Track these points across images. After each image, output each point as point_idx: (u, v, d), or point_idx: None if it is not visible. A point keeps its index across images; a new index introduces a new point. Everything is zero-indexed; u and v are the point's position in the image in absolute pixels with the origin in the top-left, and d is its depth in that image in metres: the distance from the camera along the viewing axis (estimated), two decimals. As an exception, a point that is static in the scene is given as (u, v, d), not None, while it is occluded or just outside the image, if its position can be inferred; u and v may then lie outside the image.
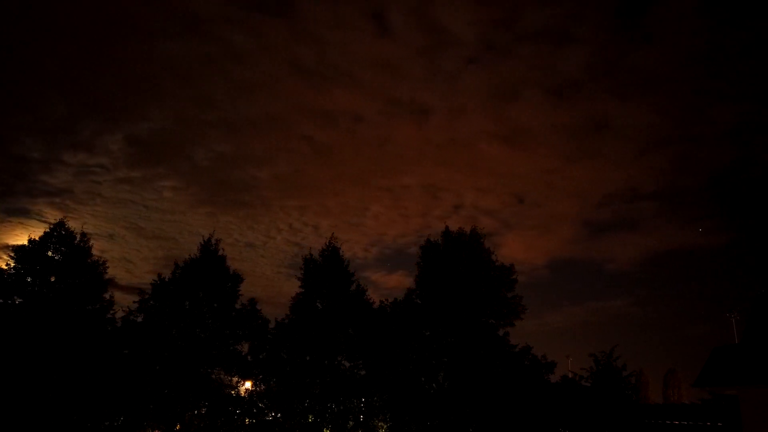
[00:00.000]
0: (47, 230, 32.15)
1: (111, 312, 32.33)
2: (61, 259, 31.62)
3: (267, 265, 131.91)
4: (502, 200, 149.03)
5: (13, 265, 30.60)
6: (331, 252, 36.02)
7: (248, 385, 34.25)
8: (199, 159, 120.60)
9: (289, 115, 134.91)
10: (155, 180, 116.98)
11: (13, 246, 31.40)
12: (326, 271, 35.14)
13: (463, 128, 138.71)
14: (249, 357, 33.40)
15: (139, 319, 32.17)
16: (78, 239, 32.66)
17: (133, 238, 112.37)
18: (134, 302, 32.46)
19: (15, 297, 30.44)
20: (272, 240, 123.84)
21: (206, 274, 33.39)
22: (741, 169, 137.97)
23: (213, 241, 34.91)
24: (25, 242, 31.37)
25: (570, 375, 33.28)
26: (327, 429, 32.67)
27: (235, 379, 33.68)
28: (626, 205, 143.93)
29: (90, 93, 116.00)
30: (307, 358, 32.95)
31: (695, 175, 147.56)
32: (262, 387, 33.20)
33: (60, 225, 32.50)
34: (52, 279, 31.10)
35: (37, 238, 31.62)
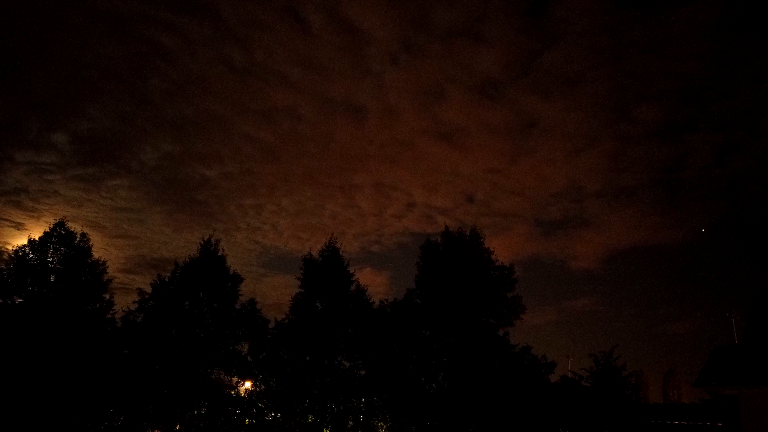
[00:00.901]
0: (47, 230, 32.18)
1: (111, 312, 32.36)
2: (61, 259, 31.62)
3: (235, 264, 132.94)
4: (453, 199, 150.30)
5: (13, 265, 30.61)
6: (331, 252, 36.03)
7: (248, 385, 34.25)
8: (148, 158, 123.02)
9: (229, 114, 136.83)
10: (107, 179, 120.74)
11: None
12: (326, 271, 35.15)
13: (400, 127, 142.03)
14: (249, 357, 33.41)
15: (139, 319, 32.18)
16: (78, 239, 32.68)
17: (98, 237, 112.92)
18: (134, 302, 32.54)
19: (15, 297, 30.45)
20: (233, 238, 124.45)
21: (206, 275, 33.40)
22: (679, 167, 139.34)
23: (213, 242, 34.96)
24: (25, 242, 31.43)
25: (570, 375, 33.33)
26: (327, 429, 32.68)
27: (235, 379, 33.70)
28: (574, 203, 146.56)
29: (31, 92, 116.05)
30: (307, 358, 32.96)
31: (635, 174, 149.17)
32: (262, 387, 33.21)
33: (60, 225, 32.53)
34: (52, 279, 31.11)
35: (36, 239, 31.64)
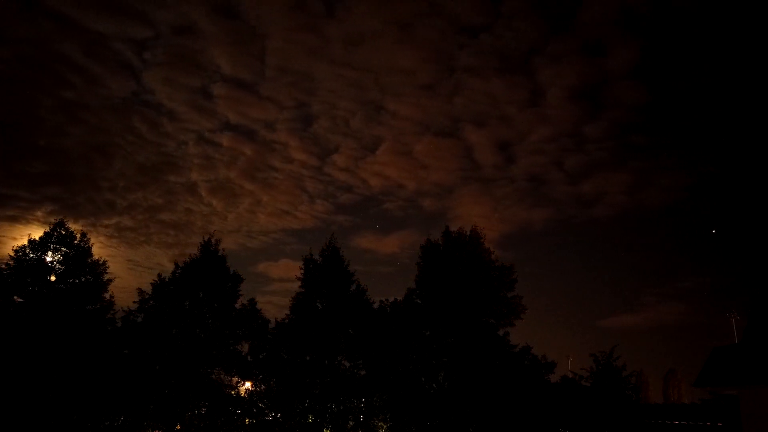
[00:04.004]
0: (47, 230, 32.17)
1: (111, 312, 32.35)
2: (61, 259, 31.62)
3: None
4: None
5: (13, 264, 30.61)
6: (331, 252, 36.01)
7: (248, 385, 34.23)
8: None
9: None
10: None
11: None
12: (326, 271, 35.13)
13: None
14: (249, 357, 33.39)
15: (139, 319, 32.17)
16: (78, 239, 32.67)
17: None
18: (134, 302, 32.50)
19: (15, 297, 30.45)
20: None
21: (206, 274, 33.38)
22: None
23: (213, 242, 34.95)
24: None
25: (570, 375, 33.35)
26: (327, 429, 32.68)
27: (235, 379, 33.65)
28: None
29: None
30: (307, 358, 32.95)
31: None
32: (262, 387, 33.19)
33: (60, 225, 32.49)
34: (52, 279, 31.10)
35: (37, 239, 31.64)
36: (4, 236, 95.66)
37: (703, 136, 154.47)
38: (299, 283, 35.43)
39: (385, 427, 33.15)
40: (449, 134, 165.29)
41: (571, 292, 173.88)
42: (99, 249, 34.18)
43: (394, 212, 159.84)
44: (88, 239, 33.17)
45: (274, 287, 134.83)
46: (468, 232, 36.42)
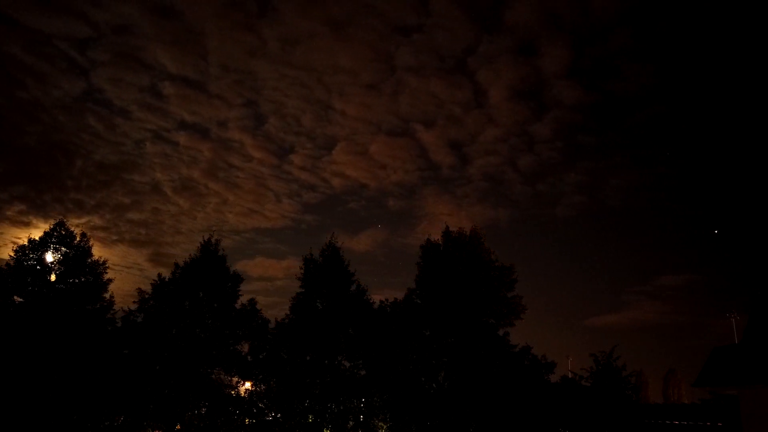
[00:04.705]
0: (47, 230, 32.17)
1: (111, 312, 32.34)
2: (61, 259, 31.62)
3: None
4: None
5: (13, 264, 30.61)
6: (332, 252, 36.00)
7: (248, 385, 34.22)
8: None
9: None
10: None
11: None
12: (326, 271, 35.12)
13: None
14: (249, 357, 33.40)
15: (139, 319, 32.17)
16: (78, 239, 32.67)
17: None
18: (134, 302, 32.52)
19: (15, 297, 30.44)
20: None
21: (206, 274, 33.39)
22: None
23: (213, 241, 34.95)
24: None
25: (570, 375, 33.34)
26: (327, 429, 32.67)
27: (235, 379, 33.65)
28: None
29: None
30: (307, 358, 32.95)
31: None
32: (262, 387, 33.18)
33: (60, 225, 32.48)
34: (52, 279, 31.09)
35: (37, 239, 31.64)
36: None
37: (652, 135, 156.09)
38: (299, 283, 35.48)
39: (385, 427, 33.14)
40: (401, 134, 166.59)
41: (552, 292, 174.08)
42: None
43: (360, 212, 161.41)
44: (88, 239, 33.19)
45: (255, 287, 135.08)
46: (468, 232, 36.44)
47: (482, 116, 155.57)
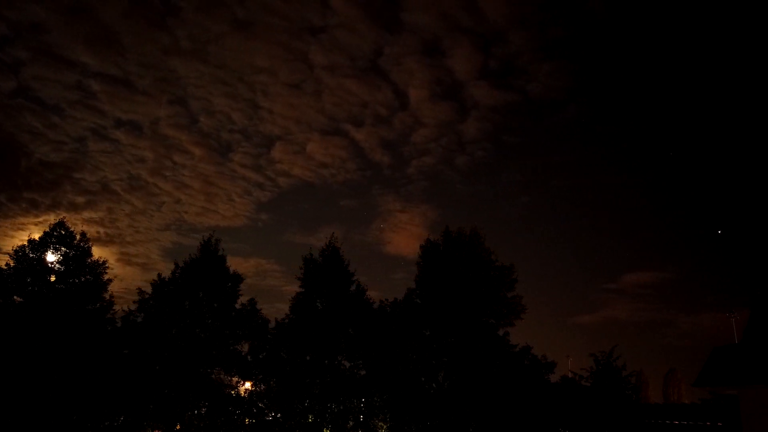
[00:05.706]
0: (47, 230, 32.15)
1: (111, 312, 32.34)
2: (61, 259, 31.61)
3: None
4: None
5: (12, 264, 30.60)
6: (332, 252, 36.00)
7: (248, 385, 34.23)
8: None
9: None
10: None
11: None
12: (326, 271, 35.12)
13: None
14: (249, 357, 33.40)
15: (139, 319, 32.17)
16: (78, 239, 32.65)
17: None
18: (134, 302, 32.53)
19: (15, 297, 30.43)
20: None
21: (206, 274, 33.38)
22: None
23: (213, 241, 34.94)
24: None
25: (570, 375, 33.34)
26: (327, 429, 32.68)
27: (235, 379, 33.66)
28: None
29: None
30: (307, 358, 32.95)
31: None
32: (262, 387, 33.18)
33: (60, 225, 32.45)
34: (52, 279, 31.09)
35: (36, 238, 31.62)
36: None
37: (586, 136, 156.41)
38: (299, 283, 35.49)
39: (385, 427, 33.15)
40: (334, 133, 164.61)
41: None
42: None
43: (312, 212, 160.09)
44: (88, 239, 33.17)
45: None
46: (468, 232, 36.46)
47: (408, 117, 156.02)
